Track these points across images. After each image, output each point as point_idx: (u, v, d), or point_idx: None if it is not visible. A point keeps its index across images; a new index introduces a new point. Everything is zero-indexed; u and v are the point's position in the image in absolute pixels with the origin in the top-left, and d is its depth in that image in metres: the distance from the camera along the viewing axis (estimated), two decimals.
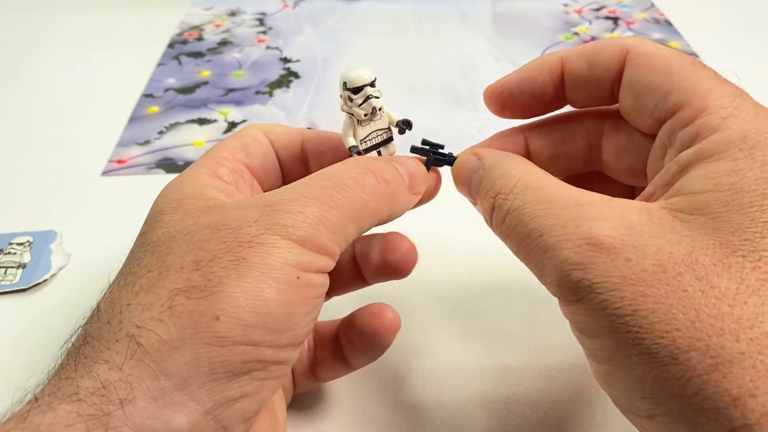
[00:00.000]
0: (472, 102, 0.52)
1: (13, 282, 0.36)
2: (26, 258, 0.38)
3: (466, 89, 0.54)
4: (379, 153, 0.28)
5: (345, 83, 0.26)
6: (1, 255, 0.38)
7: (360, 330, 0.28)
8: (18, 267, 0.37)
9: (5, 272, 0.37)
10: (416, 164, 0.27)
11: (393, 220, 0.26)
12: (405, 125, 0.28)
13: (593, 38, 0.61)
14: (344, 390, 0.31)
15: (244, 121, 0.51)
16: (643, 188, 0.23)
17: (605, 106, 0.26)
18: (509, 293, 0.35)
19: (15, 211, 0.42)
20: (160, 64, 0.59)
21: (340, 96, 0.27)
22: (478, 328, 0.33)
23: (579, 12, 0.66)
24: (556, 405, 0.29)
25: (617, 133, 0.26)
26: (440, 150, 0.28)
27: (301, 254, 0.22)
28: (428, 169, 0.27)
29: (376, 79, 0.26)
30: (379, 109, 0.27)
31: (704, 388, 0.18)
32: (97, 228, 0.41)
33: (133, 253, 0.23)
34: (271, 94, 0.54)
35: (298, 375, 0.29)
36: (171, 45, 0.62)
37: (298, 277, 0.21)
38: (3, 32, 0.65)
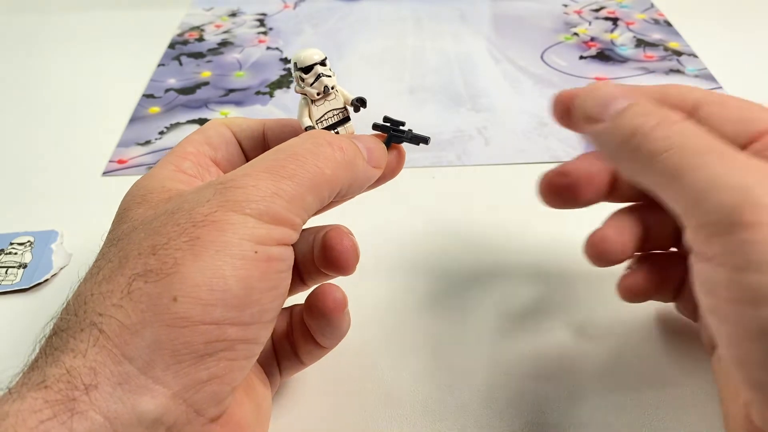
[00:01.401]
0: (472, 102, 0.52)
1: (14, 282, 0.37)
2: (27, 258, 0.38)
3: (466, 89, 0.54)
4: (337, 133, 0.28)
5: (296, 63, 0.26)
6: (2, 255, 0.38)
7: (310, 312, 0.27)
8: (19, 267, 0.38)
9: (6, 272, 0.37)
10: (374, 139, 0.27)
11: (354, 194, 0.26)
12: (359, 102, 0.28)
13: (593, 38, 0.61)
14: (328, 377, 0.31)
15: None
16: None
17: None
18: (504, 285, 0.35)
19: (16, 211, 0.42)
20: (160, 64, 0.59)
21: (292, 78, 0.27)
22: (470, 320, 0.34)
23: (579, 12, 0.66)
24: (556, 405, 0.30)
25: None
26: (401, 127, 0.28)
27: (256, 227, 0.22)
28: (388, 146, 0.27)
29: (326, 58, 0.27)
30: (332, 88, 0.27)
31: None
32: (98, 228, 0.40)
33: (100, 251, 0.24)
34: (271, 95, 0.54)
35: (283, 360, 0.29)
36: (171, 45, 0.62)
37: (255, 252, 0.21)
38: (3, 32, 0.65)
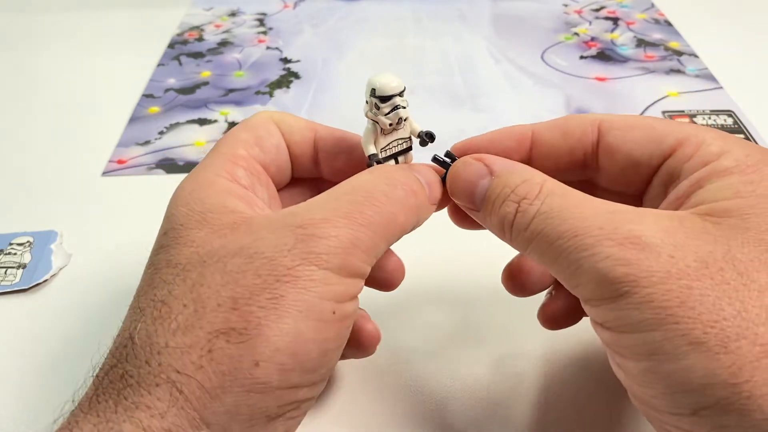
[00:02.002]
0: (472, 102, 0.52)
1: (14, 282, 0.37)
2: (27, 258, 0.38)
3: (465, 89, 0.54)
4: (397, 161, 0.27)
5: (374, 90, 0.25)
6: (2, 255, 0.38)
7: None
8: (18, 267, 0.37)
9: (6, 272, 0.37)
10: (433, 174, 0.27)
11: (413, 227, 0.26)
12: (428, 137, 0.27)
13: (593, 38, 0.61)
14: (339, 382, 0.31)
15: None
16: None
17: None
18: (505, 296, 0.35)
19: (15, 211, 0.42)
20: (160, 64, 0.59)
21: (366, 101, 0.26)
22: (477, 329, 0.33)
23: (579, 12, 0.66)
24: (556, 405, 0.30)
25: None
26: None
27: (336, 284, 0.22)
28: (444, 181, 0.27)
29: (405, 89, 0.26)
30: (405, 120, 0.26)
31: (755, 375, 0.18)
32: (98, 228, 0.41)
33: (159, 272, 0.22)
34: (271, 95, 0.54)
35: None
36: (171, 45, 0.62)
37: (334, 312, 0.21)
38: (3, 32, 0.65)
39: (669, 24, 0.63)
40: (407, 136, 0.27)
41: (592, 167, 0.27)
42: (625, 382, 0.22)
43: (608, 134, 0.26)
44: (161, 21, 0.66)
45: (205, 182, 0.24)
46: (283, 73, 0.57)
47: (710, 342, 0.18)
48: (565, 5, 0.68)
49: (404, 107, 0.26)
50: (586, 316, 0.28)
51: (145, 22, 0.66)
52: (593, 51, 0.59)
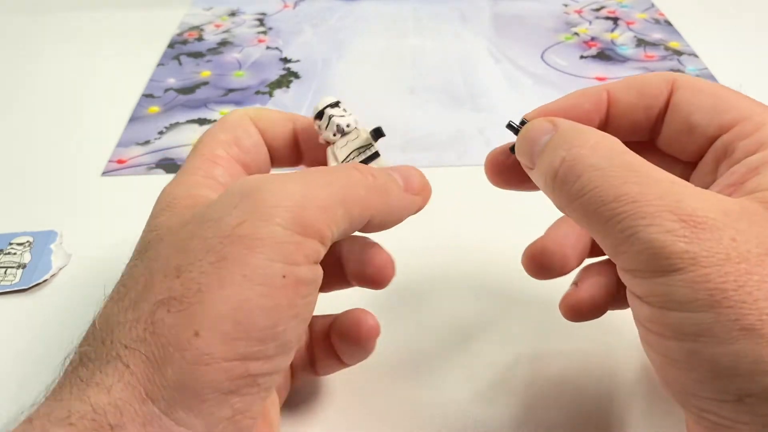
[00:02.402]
0: (472, 102, 0.52)
1: (14, 282, 0.36)
2: (26, 258, 0.38)
3: (465, 89, 0.54)
4: None
5: (313, 115, 0.27)
6: (1, 255, 0.38)
7: (341, 336, 0.27)
8: (18, 267, 0.37)
9: (5, 272, 0.37)
10: (409, 168, 0.26)
11: (393, 223, 0.25)
12: (375, 134, 0.27)
13: (593, 38, 0.61)
14: (337, 386, 0.31)
15: None
16: None
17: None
18: (504, 287, 0.35)
19: (15, 211, 0.42)
20: (160, 64, 0.59)
21: (318, 130, 0.27)
22: (477, 326, 0.33)
23: (579, 12, 0.66)
24: (556, 404, 0.30)
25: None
26: None
27: (287, 241, 0.20)
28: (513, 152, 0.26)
29: (339, 102, 0.27)
30: (347, 126, 0.27)
31: None
32: (98, 228, 0.41)
33: (128, 262, 0.23)
34: (271, 95, 0.54)
35: (298, 370, 0.28)
36: (171, 45, 0.62)
37: (284, 276, 0.20)
38: (3, 32, 0.65)
39: (669, 24, 0.63)
40: (366, 143, 0.27)
41: (657, 129, 0.26)
42: (659, 365, 0.21)
43: (676, 93, 0.25)
44: (161, 21, 0.66)
45: (178, 180, 0.25)
46: (283, 73, 0.57)
47: (764, 329, 0.18)
48: (565, 5, 0.68)
49: (341, 116, 0.27)
50: (612, 309, 0.28)
51: (145, 22, 0.66)
52: (593, 51, 0.59)
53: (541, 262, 0.28)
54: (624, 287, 0.22)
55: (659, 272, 0.19)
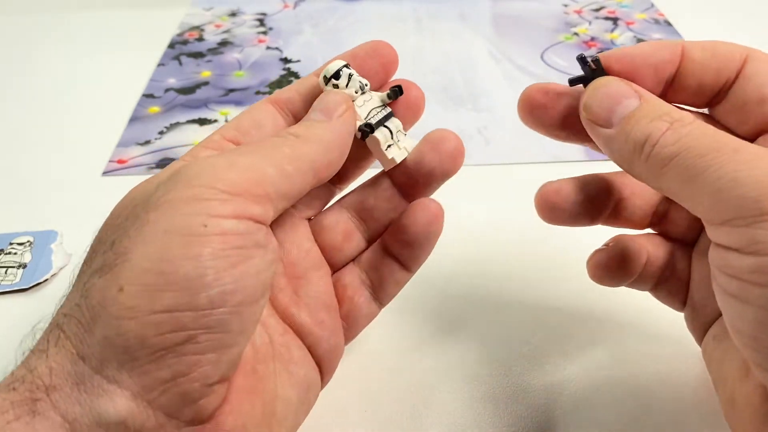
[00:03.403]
0: (472, 102, 0.52)
1: (14, 282, 0.37)
2: (27, 258, 0.38)
3: (465, 89, 0.54)
4: (387, 128, 0.27)
5: (324, 76, 0.27)
6: (2, 255, 0.38)
7: (413, 229, 0.27)
8: (18, 267, 0.37)
9: (6, 272, 0.37)
10: (320, 98, 0.26)
11: (344, 155, 0.25)
12: (396, 91, 0.28)
13: (593, 38, 0.61)
14: (338, 386, 0.31)
15: None
16: None
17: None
18: (504, 288, 0.35)
19: (15, 211, 0.42)
20: (160, 64, 0.59)
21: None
22: (469, 321, 0.33)
23: (579, 12, 0.66)
24: (557, 404, 0.30)
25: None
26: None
27: (210, 198, 0.20)
28: (574, 83, 0.26)
29: (348, 64, 0.27)
30: (366, 85, 0.27)
31: None
32: (98, 228, 0.41)
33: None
34: (271, 95, 0.54)
35: (353, 320, 0.28)
36: (171, 45, 0.62)
37: (205, 225, 0.19)
38: (3, 32, 0.65)
39: (669, 24, 0.63)
40: (380, 104, 0.28)
41: (719, 97, 0.26)
42: (740, 321, 0.20)
43: (750, 63, 0.25)
44: (161, 21, 0.66)
45: (170, 165, 0.25)
46: (283, 73, 0.57)
47: None
48: (565, 5, 0.68)
49: (357, 73, 0.27)
50: (632, 286, 0.28)
51: (145, 22, 0.66)
52: (593, 51, 0.59)
53: (553, 203, 0.27)
54: (650, 261, 0.23)
55: (763, 218, 0.19)
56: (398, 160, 0.28)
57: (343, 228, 0.28)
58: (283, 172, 0.22)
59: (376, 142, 0.27)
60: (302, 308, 0.26)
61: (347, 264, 0.29)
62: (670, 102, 0.24)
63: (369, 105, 0.27)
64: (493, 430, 0.29)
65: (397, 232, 0.28)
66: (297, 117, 0.27)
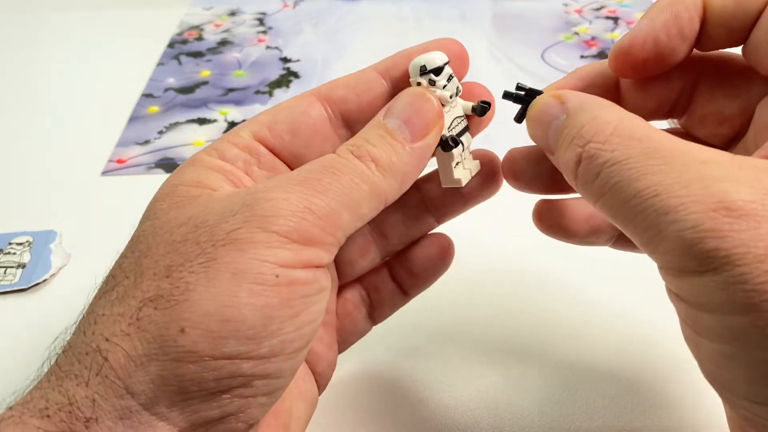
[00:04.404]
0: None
1: (13, 282, 0.36)
2: (26, 258, 0.38)
3: None
4: (461, 144, 0.25)
5: (423, 66, 0.23)
6: (1, 255, 0.38)
7: (423, 262, 0.27)
8: (18, 267, 0.37)
9: (5, 272, 0.37)
10: (408, 106, 0.23)
11: (410, 183, 0.23)
12: (485, 105, 0.25)
13: (593, 38, 0.61)
14: (340, 386, 0.31)
15: (244, 120, 0.51)
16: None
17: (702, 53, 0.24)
18: (505, 288, 0.35)
19: (15, 210, 0.42)
20: (159, 63, 0.59)
21: (418, 84, 0.24)
22: (478, 327, 0.33)
23: (579, 12, 0.66)
24: (557, 408, 0.29)
25: (718, 75, 0.24)
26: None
27: (282, 248, 0.19)
28: (518, 118, 0.24)
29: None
30: (460, 91, 0.24)
31: None
32: (97, 228, 0.41)
33: (123, 249, 0.22)
34: (271, 94, 0.54)
35: (348, 335, 0.28)
36: (171, 45, 0.62)
37: (277, 275, 0.19)
38: (3, 32, 0.65)
39: None
40: (462, 114, 0.25)
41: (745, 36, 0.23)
42: (698, 358, 0.19)
43: None
44: (161, 20, 0.66)
45: (194, 159, 0.24)
46: (283, 72, 0.57)
47: None
48: (566, 5, 0.68)
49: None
50: (598, 233, 0.26)
51: (144, 22, 0.66)
52: (594, 50, 0.59)
53: (554, 223, 0.26)
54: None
55: (690, 272, 0.17)
56: (464, 183, 0.25)
57: (361, 242, 0.27)
58: (357, 216, 0.21)
59: (451, 158, 0.24)
60: None
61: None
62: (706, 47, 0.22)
63: (452, 113, 0.24)
64: (494, 430, 0.29)
65: (406, 261, 0.28)
66: (347, 120, 0.25)
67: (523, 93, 0.24)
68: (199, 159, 0.23)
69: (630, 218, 0.18)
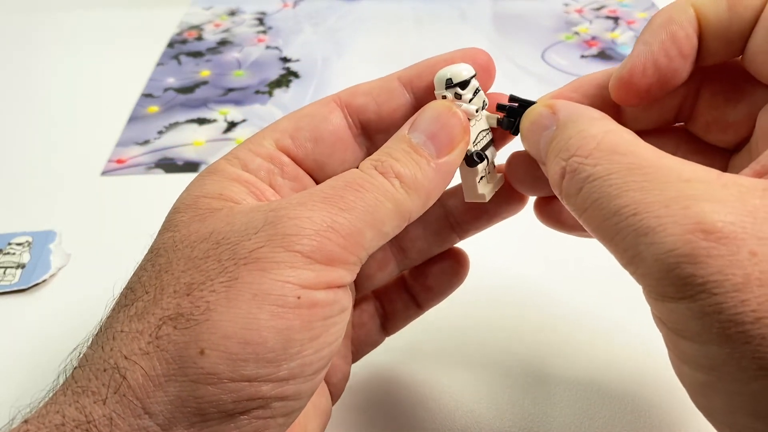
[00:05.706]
0: None
1: (13, 282, 0.36)
2: (25, 258, 0.38)
3: None
4: (486, 159, 0.24)
5: (449, 80, 0.23)
6: (1, 255, 0.38)
7: (438, 276, 0.28)
8: (17, 267, 0.37)
9: (4, 272, 0.37)
10: (433, 119, 0.22)
11: (434, 200, 0.22)
12: (512, 121, 0.24)
13: (594, 38, 0.61)
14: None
15: (243, 120, 0.51)
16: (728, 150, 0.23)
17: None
18: (505, 289, 0.35)
19: (14, 211, 0.42)
20: (159, 63, 0.59)
21: (443, 98, 0.23)
22: (478, 329, 0.33)
23: (579, 11, 0.66)
24: (558, 409, 0.29)
25: (720, 82, 0.23)
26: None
27: (305, 268, 0.19)
28: (514, 131, 0.23)
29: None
30: (486, 105, 0.24)
31: None
32: (97, 228, 0.41)
33: (142, 261, 0.22)
34: (270, 94, 0.54)
35: (362, 345, 0.28)
36: (170, 44, 0.62)
37: (299, 297, 0.19)
38: (3, 32, 0.65)
39: None
40: (487, 127, 0.24)
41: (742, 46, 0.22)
42: (681, 382, 0.19)
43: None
44: (160, 20, 0.66)
45: (215, 167, 0.23)
46: (283, 72, 0.57)
47: None
48: (566, 4, 0.68)
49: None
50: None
51: (144, 22, 0.66)
52: (594, 50, 0.59)
53: (553, 214, 0.26)
54: None
55: (669, 298, 0.17)
56: (487, 198, 0.24)
57: (381, 257, 0.27)
58: (380, 234, 0.21)
59: (475, 173, 0.24)
60: None
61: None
62: (710, 59, 0.22)
63: (478, 127, 0.24)
64: (494, 430, 0.28)
65: (421, 275, 0.28)
66: (366, 128, 0.25)
67: (516, 105, 0.23)
68: (221, 168, 0.23)
69: (610, 236, 0.18)
